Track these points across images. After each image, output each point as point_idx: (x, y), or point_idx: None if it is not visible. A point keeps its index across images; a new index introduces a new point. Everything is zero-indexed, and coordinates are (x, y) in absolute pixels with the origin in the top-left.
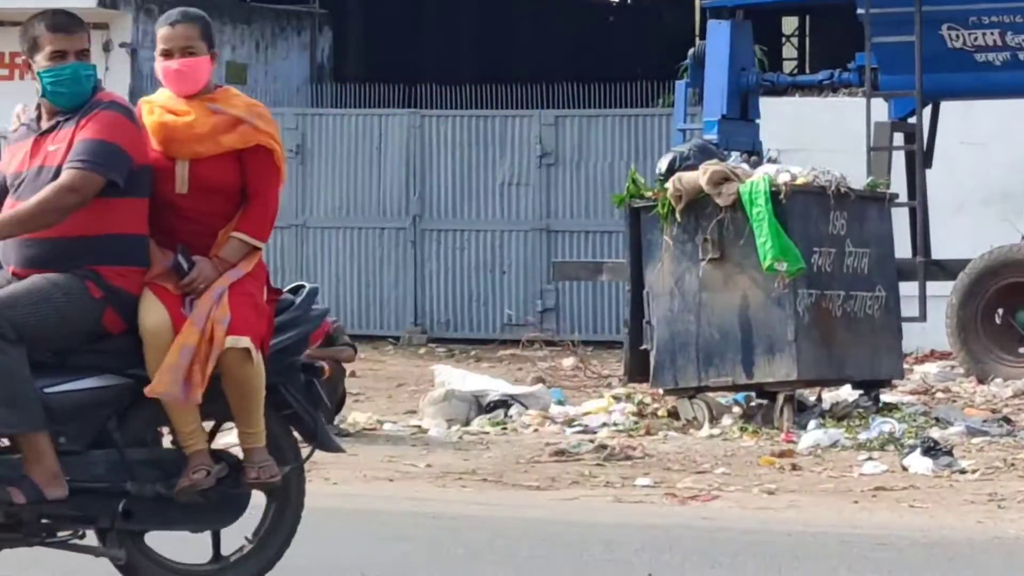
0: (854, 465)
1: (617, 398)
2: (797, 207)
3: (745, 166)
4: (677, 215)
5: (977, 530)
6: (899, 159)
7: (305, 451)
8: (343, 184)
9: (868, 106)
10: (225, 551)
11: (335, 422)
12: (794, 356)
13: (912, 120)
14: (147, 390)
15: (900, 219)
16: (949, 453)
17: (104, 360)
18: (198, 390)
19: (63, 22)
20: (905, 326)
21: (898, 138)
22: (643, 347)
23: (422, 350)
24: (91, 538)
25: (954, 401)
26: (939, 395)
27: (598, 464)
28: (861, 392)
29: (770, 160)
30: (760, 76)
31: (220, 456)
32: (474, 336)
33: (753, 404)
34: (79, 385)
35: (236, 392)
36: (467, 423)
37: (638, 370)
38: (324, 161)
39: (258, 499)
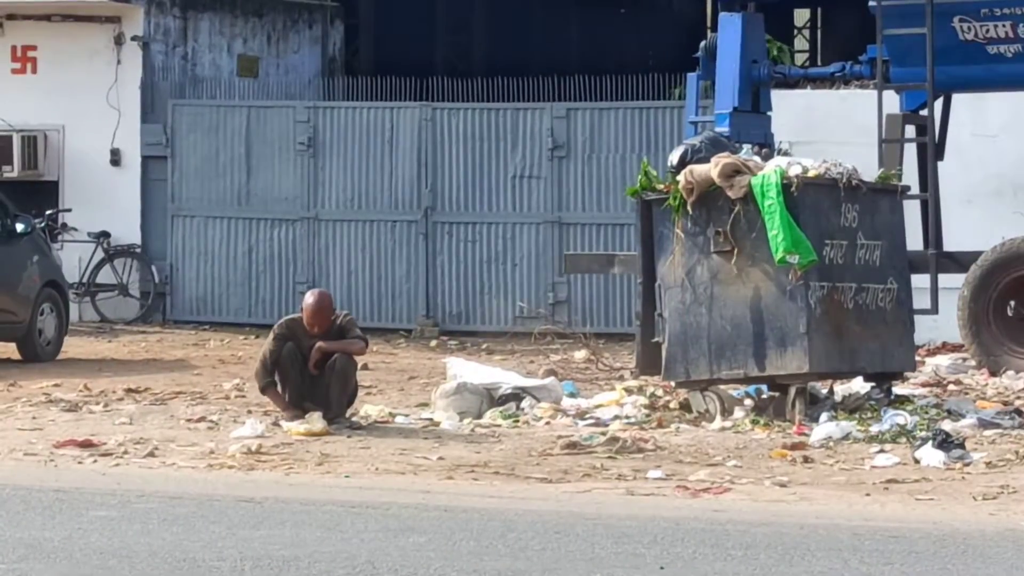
0: (866, 457)
1: (629, 391)
2: (809, 199)
3: (757, 159)
4: (688, 208)
5: (989, 522)
6: (911, 151)
7: None
8: (355, 177)
9: (880, 98)
10: None
11: (347, 415)
12: (806, 348)
13: (924, 112)
14: None
15: (912, 211)
16: (961, 445)
17: None
18: None
19: None
20: (917, 318)
21: (910, 130)
22: (655, 340)
23: (434, 342)
24: None
25: (966, 393)
26: (951, 387)
27: (610, 457)
28: (873, 384)
29: (781, 152)
30: (772, 68)
31: None
32: (486, 329)
33: (765, 397)
34: None
35: None
36: (479, 416)
37: (650, 363)
38: (336, 154)
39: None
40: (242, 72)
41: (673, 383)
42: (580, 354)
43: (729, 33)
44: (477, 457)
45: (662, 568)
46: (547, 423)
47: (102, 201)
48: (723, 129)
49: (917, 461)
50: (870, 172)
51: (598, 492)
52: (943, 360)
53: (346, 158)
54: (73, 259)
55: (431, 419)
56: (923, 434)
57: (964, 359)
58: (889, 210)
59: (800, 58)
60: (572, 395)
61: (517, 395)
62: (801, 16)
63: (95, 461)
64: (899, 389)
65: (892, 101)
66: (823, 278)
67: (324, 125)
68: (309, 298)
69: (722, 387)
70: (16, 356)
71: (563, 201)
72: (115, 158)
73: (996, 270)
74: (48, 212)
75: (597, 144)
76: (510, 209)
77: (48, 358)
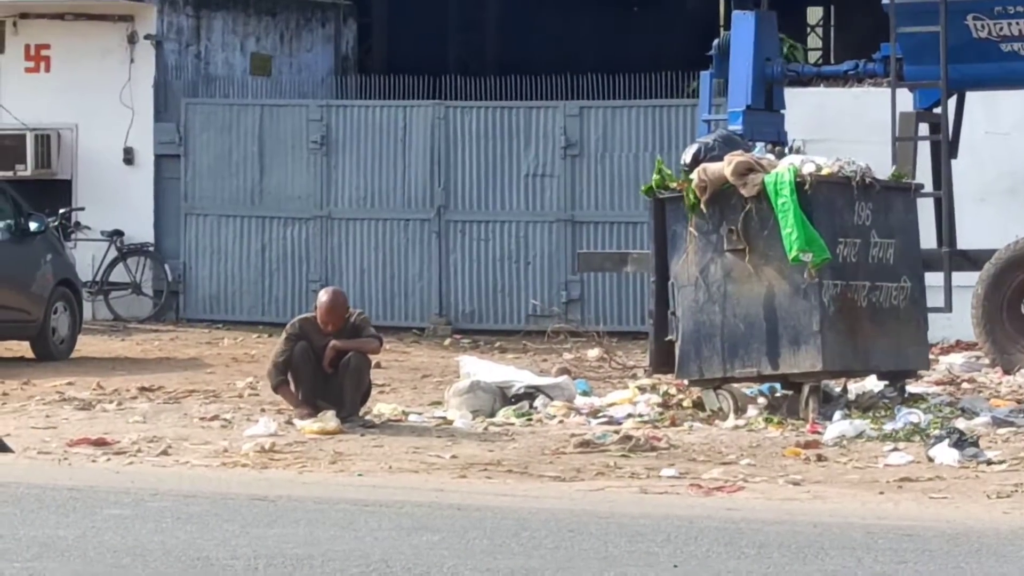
0: (879, 456)
1: (642, 389)
2: (822, 198)
3: (770, 157)
4: (702, 206)
5: (1003, 521)
6: (924, 149)
7: None
8: (368, 175)
9: (893, 96)
10: None
11: (361, 413)
12: (819, 347)
13: (937, 110)
14: None
15: (925, 209)
16: (975, 444)
17: None
18: None
19: None
20: (930, 316)
21: (923, 128)
22: (668, 338)
23: (447, 341)
24: None
25: (980, 392)
26: (965, 386)
27: (623, 455)
28: (886, 383)
29: (795, 151)
30: (785, 66)
31: None
32: (499, 327)
33: (778, 395)
34: None
35: None
36: (492, 414)
37: (663, 361)
38: (349, 152)
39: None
40: (255, 71)
41: (686, 381)
42: (593, 352)
43: (742, 31)
44: (490, 455)
45: (676, 567)
46: (560, 421)
47: (115, 200)
48: (736, 127)
49: (931, 459)
50: (884, 170)
51: (611, 490)
52: (957, 358)
53: (359, 157)
54: (86, 258)
55: (444, 417)
56: (937, 432)
57: (978, 357)
58: (903, 208)
59: (813, 56)
60: (585, 393)
61: (530, 393)
62: (814, 14)
63: (108, 460)
64: (913, 387)
65: (906, 99)
66: (836, 276)
67: (337, 124)
68: (323, 296)
69: (735, 385)
70: (30, 355)
71: (576, 199)
72: (128, 157)
73: (1010, 268)
74: (61, 211)
75: (610, 142)
76: (523, 208)
77: (61, 357)
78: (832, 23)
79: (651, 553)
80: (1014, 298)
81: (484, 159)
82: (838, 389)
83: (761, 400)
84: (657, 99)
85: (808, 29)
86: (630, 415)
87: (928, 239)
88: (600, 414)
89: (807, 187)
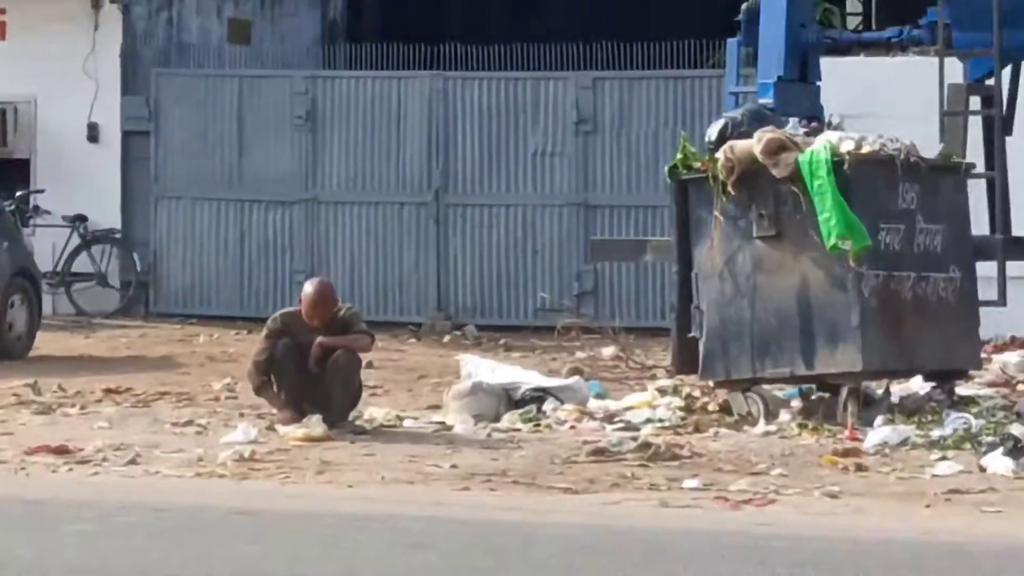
0: (926, 465)
1: (662, 391)
2: (862, 179)
3: (805, 131)
4: (729, 188)
5: None
6: (976, 125)
7: None
8: (358, 155)
9: (941, 66)
10: None
11: (350, 418)
12: (859, 344)
13: (990, 82)
14: None
15: (977, 192)
16: None
17: None
18: None
19: None
20: (983, 311)
21: (975, 102)
22: (691, 335)
23: (446, 338)
24: None
25: None
26: (1020, 387)
27: (641, 464)
28: (934, 384)
29: (832, 127)
30: (821, 33)
31: None
32: (504, 323)
33: (814, 398)
34: None
35: None
36: (496, 419)
37: (686, 360)
38: (338, 129)
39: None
40: (233, 38)
41: (711, 383)
42: (608, 351)
43: None
44: (494, 465)
45: None
46: (572, 427)
47: (78, 181)
48: (767, 101)
49: (983, 469)
50: (931, 148)
51: (628, 504)
52: (1012, 357)
53: (349, 134)
54: (46, 245)
55: (443, 423)
56: (990, 439)
57: None
58: (952, 190)
59: (852, 22)
60: (599, 396)
61: (538, 396)
62: None
63: (71, 469)
64: (963, 389)
65: (955, 70)
66: (878, 266)
67: (324, 97)
68: (308, 288)
69: (766, 387)
70: None
71: (589, 181)
72: (93, 133)
73: None
74: (19, 193)
75: (627, 118)
76: (530, 190)
77: (19, 355)
78: None
79: (672, 573)
80: None
81: (487, 136)
82: (880, 391)
83: (794, 403)
84: (679, 70)
85: None
86: (649, 420)
87: (980, 225)
88: (616, 419)
89: (846, 167)
